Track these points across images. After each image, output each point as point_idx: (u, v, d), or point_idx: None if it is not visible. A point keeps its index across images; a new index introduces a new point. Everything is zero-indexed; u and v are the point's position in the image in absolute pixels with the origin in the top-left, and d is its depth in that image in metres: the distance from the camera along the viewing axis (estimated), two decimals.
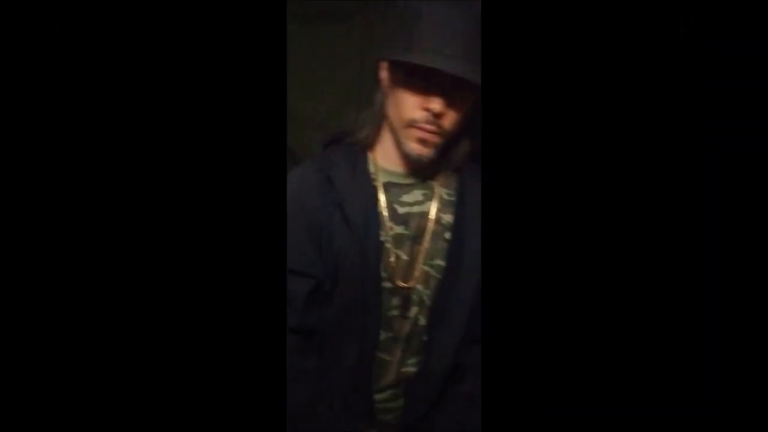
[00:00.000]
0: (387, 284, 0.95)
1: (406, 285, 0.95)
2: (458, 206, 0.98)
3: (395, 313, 0.97)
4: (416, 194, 0.98)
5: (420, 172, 0.99)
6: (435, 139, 0.92)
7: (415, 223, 0.97)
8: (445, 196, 0.99)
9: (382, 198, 0.96)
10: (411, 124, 0.91)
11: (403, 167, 0.98)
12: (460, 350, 0.98)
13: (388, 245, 0.95)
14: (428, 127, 0.91)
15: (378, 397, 0.99)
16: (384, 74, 0.94)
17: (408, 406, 0.99)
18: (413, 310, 0.97)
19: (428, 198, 0.98)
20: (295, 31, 1.29)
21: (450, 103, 0.90)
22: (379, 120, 0.97)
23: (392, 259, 0.95)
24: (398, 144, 0.95)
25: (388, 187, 0.98)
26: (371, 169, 0.98)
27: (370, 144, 0.99)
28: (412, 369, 0.99)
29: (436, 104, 0.88)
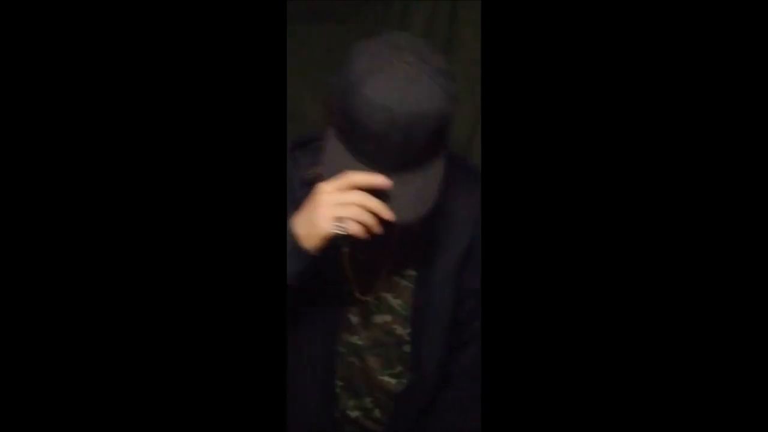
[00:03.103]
0: (346, 288, 0.93)
1: (362, 297, 0.92)
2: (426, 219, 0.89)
3: (357, 319, 0.95)
4: None
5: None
6: None
7: None
8: None
9: None
10: None
11: None
12: (444, 360, 0.96)
13: (342, 245, 0.91)
14: None
15: (352, 403, 0.97)
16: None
17: (397, 417, 0.97)
18: (379, 318, 0.94)
19: None
20: (295, 31, 1.29)
21: None
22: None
23: (347, 261, 0.92)
24: None
25: None
26: None
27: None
28: (392, 380, 0.97)
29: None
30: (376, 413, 0.98)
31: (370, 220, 0.77)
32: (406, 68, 0.76)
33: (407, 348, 0.95)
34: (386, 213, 0.78)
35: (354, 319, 0.95)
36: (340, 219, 0.78)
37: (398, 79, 0.75)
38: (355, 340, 0.95)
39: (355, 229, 0.78)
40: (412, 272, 0.94)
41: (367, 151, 0.78)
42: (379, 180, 0.77)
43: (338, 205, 0.78)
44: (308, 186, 0.86)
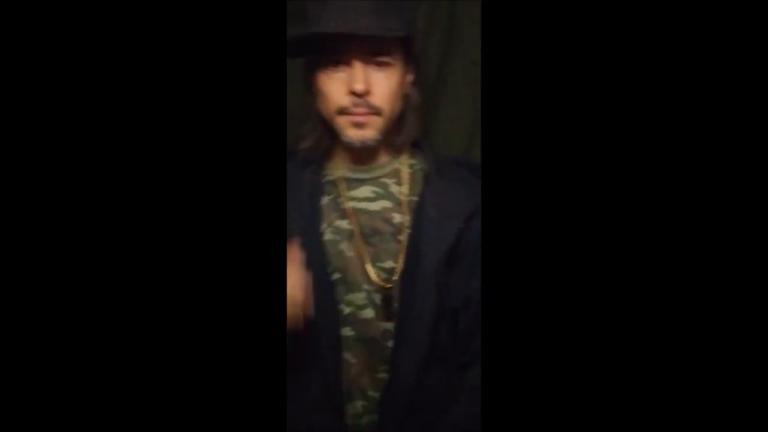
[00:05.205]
0: (336, 276, 0.93)
1: (385, 285, 0.92)
2: (418, 208, 0.94)
3: (351, 310, 0.93)
4: (366, 190, 0.96)
5: (373, 163, 0.96)
6: (371, 119, 0.90)
7: (362, 220, 0.94)
8: (401, 196, 0.96)
9: (327, 192, 0.96)
10: (341, 112, 0.90)
11: (355, 162, 0.97)
12: (423, 369, 0.92)
13: (329, 238, 0.94)
14: (359, 110, 0.89)
15: (348, 408, 0.93)
16: (308, 76, 0.93)
17: (381, 424, 0.92)
18: (368, 311, 0.93)
19: (380, 196, 0.96)
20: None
21: (374, 78, 0.88)
22: (321, 126, 0.95)
23: (334, 253, 0.93)
24: (341, 141, 0.93)
25: (338, 181, 0.96)
26: (325, 168, 0.97)
27: (323, 153, 0.97)
28: (383, 377, 0.93)
29: (358, 83, 0.87)
30: (363, 420, 0.94)
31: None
32: None
33: (390, 344, 0.93)
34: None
35: (349, 311, 0.94)
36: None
37: None
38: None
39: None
40: (390, 264, 0.93)
41: None
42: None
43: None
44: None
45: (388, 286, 0.93)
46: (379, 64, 0.89)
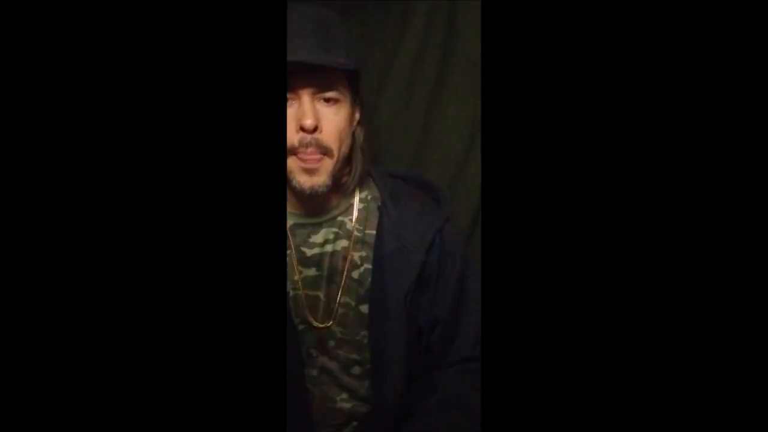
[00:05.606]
0: (302, 327, 0.96)
1: (320, 325, 0.96)
2: (378, 242, 0.96)
3: (315, 353, 0.97)
4: (325, 233, 0.97)
5: (326, 206, 0.97)
6: (321, 165, 0.89)
7: (327, 263, 0.96)
8: (357, 233, 0.97)
9: (288, 243, 0.95)
10: (292, 153, 0.88)
11: (305, 208, 0.96)
12: (404, 389, 0.97)
13: (297, 290, 0.95)
14: (309, 151, 0.87)
15: None
16: None
17: None
18: (329, 347, 0.97)
19: (339, 236, 0.97)
20: None
21: (323, 114, 0.88)
22: None
23: (304, 300, 0.95)
24: (291, 185, 0.92)
25: (294, 229, 0.96)
26: None
27: None
28: (359, 408, 0.99)
29: (308, 118, 0.86)
30: None
31: None
32: None
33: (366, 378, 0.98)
34: None
35: (313, 352, 0.98)
36: None
37: None
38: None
39: None
40: (349, 300, 0.96)
41: None
42: None
43: None
44: None
45: (323, 325, 0.96)
46: (327, 100, 0.89)
